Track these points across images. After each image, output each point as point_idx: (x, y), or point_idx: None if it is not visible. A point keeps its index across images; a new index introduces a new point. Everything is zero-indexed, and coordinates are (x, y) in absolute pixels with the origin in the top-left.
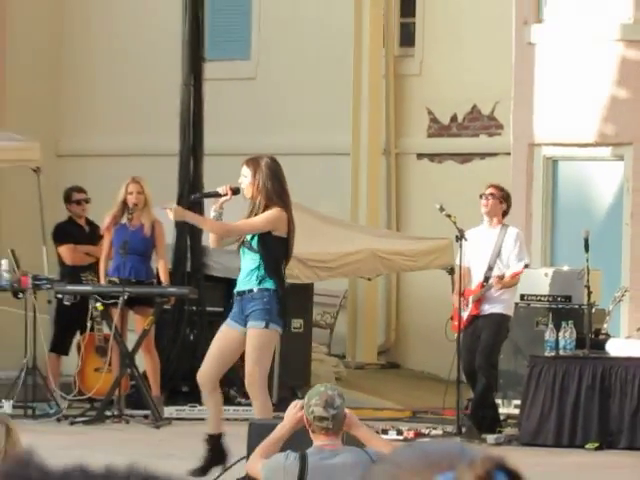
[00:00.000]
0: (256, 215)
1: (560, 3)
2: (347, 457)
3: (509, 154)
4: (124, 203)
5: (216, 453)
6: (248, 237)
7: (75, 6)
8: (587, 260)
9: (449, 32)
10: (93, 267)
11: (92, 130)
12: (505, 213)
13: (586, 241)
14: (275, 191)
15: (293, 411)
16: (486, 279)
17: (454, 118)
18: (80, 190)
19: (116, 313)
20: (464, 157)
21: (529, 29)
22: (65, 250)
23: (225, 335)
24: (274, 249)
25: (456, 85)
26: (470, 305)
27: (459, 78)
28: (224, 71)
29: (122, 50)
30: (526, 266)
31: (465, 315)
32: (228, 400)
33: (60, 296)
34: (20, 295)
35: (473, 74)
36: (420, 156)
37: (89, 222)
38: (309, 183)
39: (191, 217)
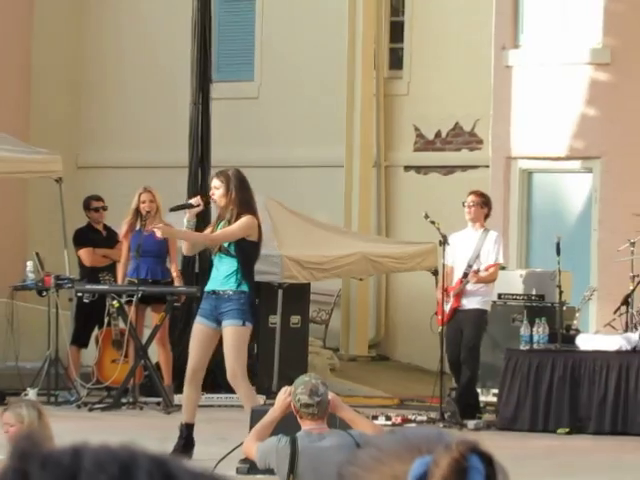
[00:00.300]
0: (230, 222)
1: (535, 30)
2: (333, 440)
3: (488, 167)
4: (137, 211)
5: (188, 442)
6: (225, 244)
7: (94, 31)
8: (559, 262)
9: (434, 56)
10: (110, 268)
11: (109, 144)
12: (487, 216)
13: (558, 245)
14: (245, 200)
15: (283, 396)
16: (465, 275)
17: (438, 134)
18: (98, 199)
19: (131, 310)
20: (447, 169)
21: (507, 53)
22: (84, 253)
23: (201, 333)
24: (249, 253)
25: (440, 104)
26: (451, 299)
27: (443, 98)
28: (229, 91)
29: (137, 72)
30: (502, 268)
31: (447, 308)
32: (231, 389)
33: (80, 294)
34: (44, 293)
35: (456, 94)
36: (407, 168)
37: (106, 227)
38: (306, 193)
39: (176, 232)
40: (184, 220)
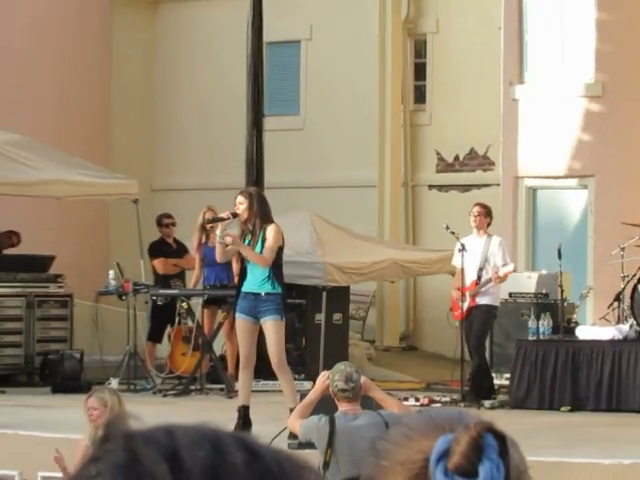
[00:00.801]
0: (252, 232)
1: (538, 68)
2: (365, 419)
3: (499, 185)
4: (203, 227)
5: (246, 422)
6: (258, 249)
7: (166, 72)
8: (560, 266)
9: (452, 92)
10: (180, 275)
11: (178, 170)
12: (489, 224)
13: (559, 251)
14: (265, 212)
15: (322, 380)
16: (478, 277)
17: (457, 158)
18: (169, 216)
19: (198, 310)
20: (464, 188)
21: (514, 88)
22: (158, 262)
23: (245, 326)
24: (278, 256)
25: (458, 132)
26: (468, 299)
27: (460, 127)
28: (279, 124)
29: (202, 108)
30: (513, 271)
31: (465, 306)
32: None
33: (155, 298)
34: (124, 297)
35: (471, 124)
36: (431, 187)
37: (176, 240)
38: (345, 208)
39: (242, 247)
40: (217, 232)
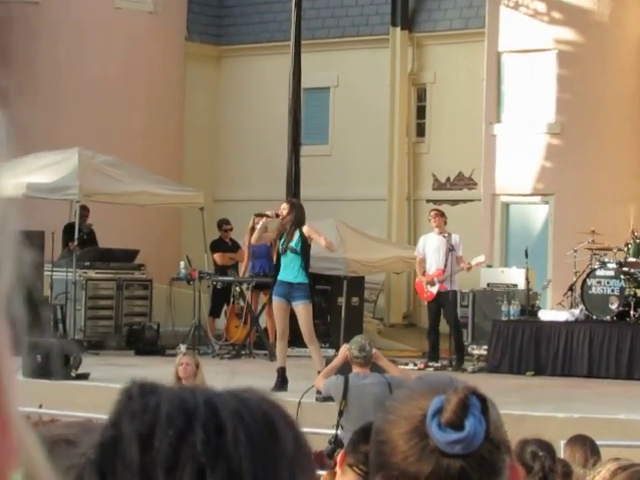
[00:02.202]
0: (287, 232)
1: (511, 111)
2: (372, 379)
3: (480, 200)
4: (253, 229)
5: (283, 380)
6: (293, 244)
7: (227, 110)
8: (527, 263)
9: (445, 128)
10: (234, 266)
11: (235, 185)
12: (445, 223)
13: (526, 252)
14: (301, 219)
15: (343, 350)
16: (445, 266)
17: (448, 179)
18: (227, 222)
19: (249, 293)
20: (454, 202)
21: (493, 126)
22: (217, 256)
23: (280, 306)
24: (307, 251)
25: (449, 159)
26: (437, 284)
27: (451, 155)
28: (312, 151)
29: (254, 137)
30: (489, 266)
31: (434, 290)
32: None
33: (215, 283)
34: (191, 282)
35: (460, 152)
36: (428, 201)
37: (231, 239)
38: (362, 217)
39: (315, 233)
40: (260, 222)
